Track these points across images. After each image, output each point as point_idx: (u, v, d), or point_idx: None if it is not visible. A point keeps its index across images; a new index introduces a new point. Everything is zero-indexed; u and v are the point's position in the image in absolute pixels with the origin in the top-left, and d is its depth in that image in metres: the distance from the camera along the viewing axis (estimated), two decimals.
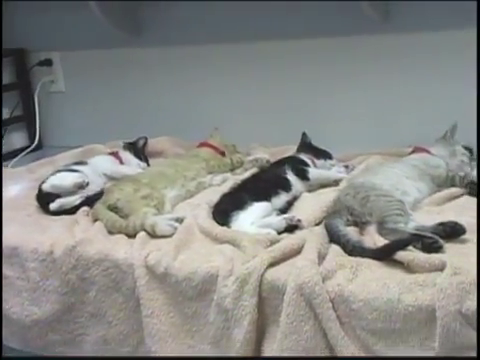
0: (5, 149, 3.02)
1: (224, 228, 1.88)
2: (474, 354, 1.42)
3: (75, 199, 2.20)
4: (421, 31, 2.31)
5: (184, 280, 1.73)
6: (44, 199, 2.22)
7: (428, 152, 2.17)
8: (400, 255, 1.58)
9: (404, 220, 1.73)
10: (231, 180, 2.25)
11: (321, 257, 1.63)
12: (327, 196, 1.98)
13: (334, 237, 1.72)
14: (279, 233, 1.81)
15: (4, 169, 2.75)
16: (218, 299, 1.66)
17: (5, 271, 2.01)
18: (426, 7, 2.28)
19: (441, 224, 1.68)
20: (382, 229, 1.72)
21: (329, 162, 2.28)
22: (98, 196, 2.18)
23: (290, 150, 2.40)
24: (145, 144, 2.61)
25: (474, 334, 1.40)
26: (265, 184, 2.06)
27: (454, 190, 2.00)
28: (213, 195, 2.11)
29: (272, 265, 1.65)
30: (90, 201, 2.19)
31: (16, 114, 3.12)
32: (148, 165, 2.54)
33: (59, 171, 2.32)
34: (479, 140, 2.17)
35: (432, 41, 2.32)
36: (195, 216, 1.98)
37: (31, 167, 2.68)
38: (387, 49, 2.39)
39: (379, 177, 1.95)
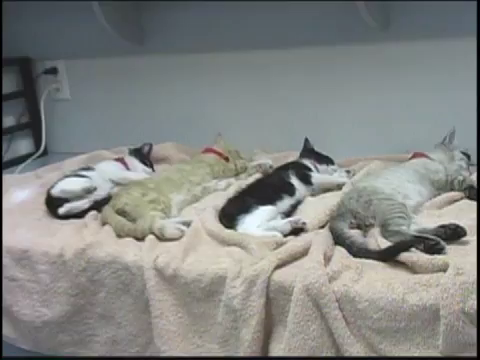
0: (12, 155, 3.04)
1: (231, 231, 1.90)
2: (476, 353, 1.44)
3: (83, 203, 2.22)
4: (420, 39, 2.32)
5: (193, 281, 1.75)
6: (53, 203, 2.24)
7: (427, 157, 2.19)
8: (404, 256, 1.60)
9: (406, 223, 1.75)
10: (235, 185, 2.27)
11: (327, 259, 1.64)
12: (330, 200, 2.00)
13: (339, 239, 1.74)
14: (284, 236, 1.83)
15: (12, 175, 2.78)
16: (226, 300, 1.68)
17: (16, 273, 2.03)
18: (424, 16, 2.30)
19: (442, 226, 1.69)
20: (385, 231, 1.74)
21: (331, 167, 2.29)
22: (105, 201, 2.20)
23: (292, 156, 2.41)
24: (150, 150, 2.62)
25: (476, 332, 1.42)
26: (270, 188, 2.08)
27: (453, 194, 2.02)
28: (218, 199, 2.13)
29: (279, 267, 1.66)
30: (98, 205, 2.21)
31: (22, 121, 3.14)
32: (153, 171, 2.55)
33: (67, 176, 2.34)
34: (479, 144, 2.19)
35: (431, 49, 2.33)
36: (202, 220, 1.99)
37: (39, 173, 2.70)
38: (387, 57, 2.41)
39: (381, 181, 1.97)
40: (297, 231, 1.85)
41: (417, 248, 1.63)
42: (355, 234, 1.77)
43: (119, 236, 1.99)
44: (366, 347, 1.53)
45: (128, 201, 2.09)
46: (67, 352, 2.01)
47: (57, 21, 2.97)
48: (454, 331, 1.42)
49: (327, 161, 2.31)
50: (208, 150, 2.49)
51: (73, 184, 2.26)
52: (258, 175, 2.32)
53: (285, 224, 1.86)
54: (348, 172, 2.27)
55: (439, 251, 1.61)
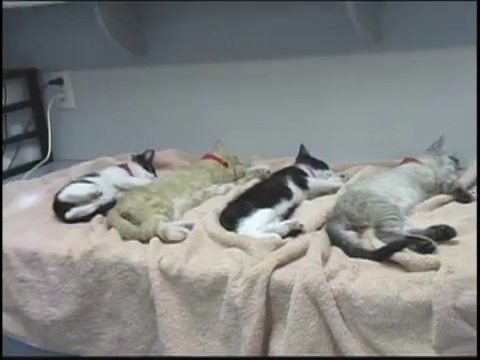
0: (19, 162, 3.05)
1: (232, 233, 1.91)
2: (467, 346, 1.45)
3: (89, 208, 2.23)
4: (410, 50, 2.34)
5: (196, 281, 1.76)
6: (60, 208, 2.24)
7: (417, 162, 2.20)
8: (397, 256, 1.61)
9: (399, 224, 1.76)
10: (234, 189, 2.28)
11: (324, 259, 1.66)
12: (326, 203, 2.01)
13: (335, 240, 1.76)
14: (283, 237, 1.84)
15: (19, 181, 2.79)
16: (228, 299, 1.69)
17: (26, 275, 2.04)
18: (415, 28, 2.32)
19: (433, 227, 1.71)
20: (379, 233, 1.75)
21: (326, 172, 2.30)
22: (110, 205, 2.22)
23: (289, 161, 2.42)
24: (152, 156, 2.62)
25: (467, 327, 1.44)
26: (268, 193, 2.09)
27: (442, 196, 2.03)
28: (218, 203, 2.13)
29: (279, 267, 1.68)
30: (103, 210, 2.22)
31: (29, 130, 3.15)
32: (155, 176, 2.55)
33: (74, 182, 2.35)
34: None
35: (421, 59, 2.35)
36: (203, 222, 2.00)
37: (45, 179, 2.70)
38: (380, 67, 2.43)
39: (374, 185, 1.98)
40: (295, 233, 1.86)
41: (410, 248, 1.64)
42: (351, 235, 1.78)
43: (124, 239, 2.00)
44: (362, 342, 1.55)
45: (132, 205, 2.10)
46: (75, 350, 2.01)
47: (62, 34, 2.98)
48: (446, 326, 1.44)
49: (322, 166, 2.31)
50: (208, 156, 2.50)
51: (80, 189, 2.26)
52: (256, 180, 2.32)
53: (283, 226, 1.88)
54: (342, 176, 2.28)
55: (431, 251, 1.63)
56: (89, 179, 2.36)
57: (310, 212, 2.00)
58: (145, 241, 1.95)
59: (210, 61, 2.73)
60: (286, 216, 2.01)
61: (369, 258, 1.66)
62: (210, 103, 2.79)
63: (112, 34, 2.70)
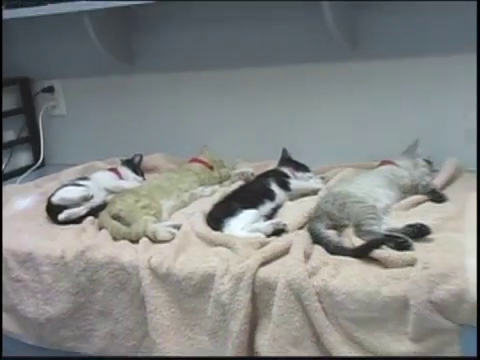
0: (12, 167, 3.03)
1: (218, 233, 1.91)
2: (442, 337, 1.47)
3: (81, 210, 2.23)
4: (385, 58, 2.37)
5: (184, 279, 1.77)
6: (53, 210, 2.24)
7: (394, 164, 2.21)
8: (376, 253, 1.63)
9: (377, 223, 1.77)
10: (220, 191, 2.28)
11: (307, 256, 1.67)
12: (308, 204, 2.02)
13: (317, 239, 1.77)
14: (267, 236, 1.85)
15: (13, 185, 2.77)
16: (215, 295, 1.70)
17: (21, 274, 2.03)
18: (389, 36, 2.34)
19: (410, 226, 1.73)
20: (358, 231, 1.77)
21: (307, 174, 2.30)
22: (101, 207, 2.22)
23: (272, 164, 2.42)
24: (140, 160, 2.62)
25: (442, 319, 1.46)
26: (252, 194, 2.09)
27: (418, 197, 2.04)
28: (205, 205, 2.14)
29: (263, 264, 1.69)
30: (94, 212, 2.22)
31: (22, 136, 3.13)
32: (144, 179, 2.55)
33: (66, 185, 2.34)
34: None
35: (395, 66, 2.37)
36: (191, 223, 2.00)
37: (38, 182, 2.69)
38: (356, 73, 2.44)
39: (353, 186, 1.99)
40: (278, 232, 1.87)
41: (388, 245, 1.66)
42: (331, 234, 1.79)
43: (115, 239, 2.00)
44: (343, 335, 1.56)
45: (123, 207, 2.10)
46: (69, 346, 2.01)
47: (54, 44, 2.97)
48: (422, 319, 1.46)
49: (304, 169, 2.32)
50: (194, 160, 2.50)
51: (72, 192, 2.27)
52: (240, 182, 2.32)
53: (267, 226, 1.89)
54: (323, 178, 2.29)
55: (407, 248, 1.64)
56: (80, 182, 2.35)
57: (292, 212, 2.01)
58: (135, 241, 1.96)
59: (195, 69, 2.74)
60: (270, 216, 2.02)
61: (349, 255, 1.68)
62: (196, 109, 2.79)
63: (102, 44, 2.70)
